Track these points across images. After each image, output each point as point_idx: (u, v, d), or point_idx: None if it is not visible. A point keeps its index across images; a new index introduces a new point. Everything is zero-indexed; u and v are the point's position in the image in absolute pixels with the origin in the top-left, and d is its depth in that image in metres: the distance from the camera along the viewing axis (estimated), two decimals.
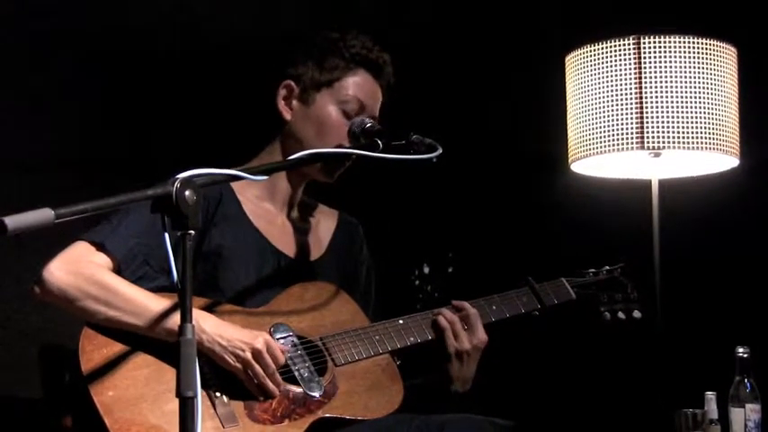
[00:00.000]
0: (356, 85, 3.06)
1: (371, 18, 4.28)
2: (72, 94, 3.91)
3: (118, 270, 2.76)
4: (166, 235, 2.22)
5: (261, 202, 3.06)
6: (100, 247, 2.76)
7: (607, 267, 3.41)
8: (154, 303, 2.69)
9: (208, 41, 4.09)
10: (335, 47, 3.06)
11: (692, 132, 3.62)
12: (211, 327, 2.70)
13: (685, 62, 3.65)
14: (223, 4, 4.17)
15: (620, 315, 3.35)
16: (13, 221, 2.02)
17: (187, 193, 2.22)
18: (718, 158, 3.77)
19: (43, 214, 2.07)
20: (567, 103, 3.84)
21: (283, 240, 3.06)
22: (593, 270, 3.40)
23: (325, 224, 3.21)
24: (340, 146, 3.00)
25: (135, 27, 3.99)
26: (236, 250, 2.93)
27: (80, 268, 2.71)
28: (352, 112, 3.03)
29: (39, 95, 3.86)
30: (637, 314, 3.36)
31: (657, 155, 3.70)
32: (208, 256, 2.89)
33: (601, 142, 3.68)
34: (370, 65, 3.08)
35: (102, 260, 2.75)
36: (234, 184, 2.96)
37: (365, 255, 3.26)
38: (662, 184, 3.80)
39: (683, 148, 3.63)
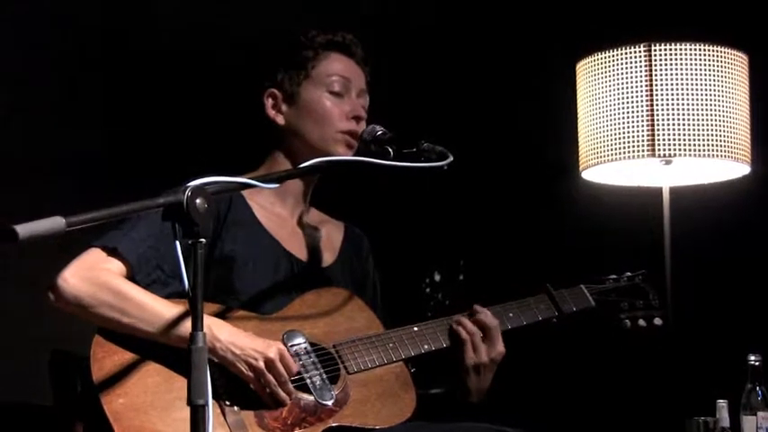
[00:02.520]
0: (333, 65, 3.08)
1: (380, 24, 4.29)
2: (80, 102, 3.92)
3: (131, 275, 2.76)
4: (177, 243, 2.22)
5: (272, 206, 3.06)
6: (112, 252, 2.76)
7: (628, 273, 3.39)
8: (167, 311, 2.69)
9: (215, 48, 4.10)
10: (299, 43, 3.09)
11: (704, 139, 3.62)
12: (225, 335, 2.70)
13: (696, 69, 3.64)
14: (227, 10, 4.19)
15: (641, 322, 3.31)
16: (24, 230, 2.01)
17: (198, 201, 2.21)
18: (729, 166, 3.77)
19: (54, 222, 2.06)
20: (578, 111, 3.83)
21: (296, 244, 3.06)
22: (613, 276, 3.38)
23: (333, 233, 3.21)
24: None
25: (143, 31, 4.01)
26: (249, 254, 2.92)
27: (94, 275, 2.71)
28: (340, 89, 3.06)
29: (48, 102, 3.88)
30: (658, 321, 3.33)
31: (669, 162, 3.69)
32: (221, 261, 2.89)
33: (612, 150, 3.68)
34: (338, 45, 3.10)
35: (116, 266, 2.75)
36: (244, 190, 2.96)
37: (372, 266, 3.26)
38: (673, 191, 3.79)
39: (695, 155, 3.63)
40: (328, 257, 3.13)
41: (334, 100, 3.05)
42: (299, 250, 3.05)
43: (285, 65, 3.08)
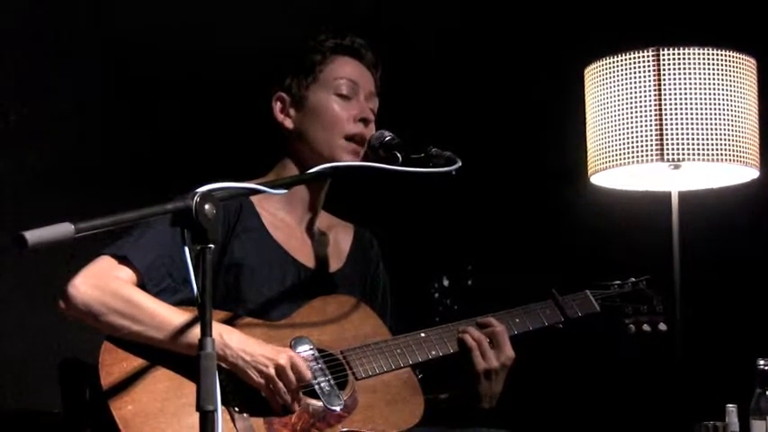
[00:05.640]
0: (341, 68, 3.07)
1: (386, 28, 4.29)
2: (93, 111, 3.93)
3: (141, 283, 2.76)
4: (186, 249, 2.22)
5: (280, 214, 3.05)
6: (122, 260, 2.76)
7: (632, 279, 3.40)
8: (177, 318, 2.69)
9: (220, 55, 4.11)
10: (308, 46, 3.09)
11: (712, 144, 3.61)
12: (235, 342, 2.70)
13: (705, 74, 3.64)
14: (232, 15, 4.20)
15: (646, 327, 3.32)
16: (32, 236, 2.01)
17: (207, 206, 2.21)
18: (738, 170, 3.76)
19: (63, 229, 2.06)
20: (587, 116, 3.83)
21: (303, 252, 3.06)
22: (618, 282, 3.39)
23: (342, 237, 3.21)
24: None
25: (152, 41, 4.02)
26: (257, 263, 2.93)
27: (104, 283, 2.71)
28: (348, 92, 3.05)
29: (62, 111, 3.88)
30: (662, 326, 3.34)
31: (677, 167, 3.69)
32: (230, 268, 2.89)
33: (620, 154, 3.67)
34: (347, 49, 3.10)
35: (126, 274, 2.75)
36: (253, 197, 2.96)
37: (381, 269, 3.26)
38: (682, 195, 3.79)
39: (703, 159, 3.62)
40: (336, 263, 3.13)
41: (342, 103, 3.04)
42: (306, 257, 3.05)
43: (293, 69, 3.08)
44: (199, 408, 2.14)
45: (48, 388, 2.87)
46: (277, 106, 3.08)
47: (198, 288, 2.20)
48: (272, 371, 2.69)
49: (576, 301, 3.26)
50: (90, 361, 2.67)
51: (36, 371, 3.61)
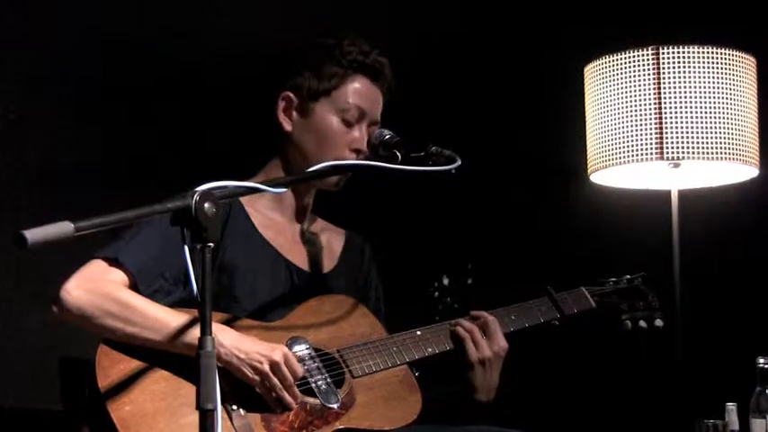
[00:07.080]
0: (355, 92, 3.03)
1: (391, 25, 4.29)
2: (93, 111, 3.93)
3: (134, 284, 2.75)
4: (186, 248, 2.22)
5: (270, 213, 3.04)
6: (114, 262, 2.75)
7: (628, 276, 3.40)
8: (172, 318, 2.69)
9: (222, 52, 4.11)
10: (332, 54, 3.03)
11: (712, 142, 3.62)
12: (229, 340, 2.70)
13: (704, 72, 3.64)
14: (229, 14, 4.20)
15: (642, 323, 3.33)
16: (32, 235, 2.02)
17: (206, 205, 2.22)
18: (737, 168, 3.76)
19: (63, 227, 2.07)
20: (587, 114, 3.83)
21: (294, 253, 3.05)
22: (613, 279, 3.39)
23: (334, 240, 3.19)
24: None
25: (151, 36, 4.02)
26: (248, 263, 2.92)
27: (97, 286, 2.71)
28: (352, 119, 3.02)
29: (62, 111, 3.89)
30: (659, 322, 3.34)
31: (677, 165, 3.69)
32: (222, 268, 2.88)
33: (620, 153, 3.68)
34: (368, 69, 3.05)
35: (118, 276, 2.75)
36: (242, 197, 2.94)
37: (374, 273, 3.25)
38: (682, 194, 3.79)
39: (703, 158, 3.63)
40: (327, 265, 3.12)
41: (344, 128, 3.01)
42: (297, 258, 3.04)
43: (309, 73, 3.03)
44: (199, 407, 2.14)
45: (47, 387, 2.87)
46: (281, 105, 3.05)
47: (198, 287, 2.20)
48: (266, 367, 2.69)
49: (571, 298, 3.26)
50: (90, 360, 2.67)
51: (36, 370, 3.62)
